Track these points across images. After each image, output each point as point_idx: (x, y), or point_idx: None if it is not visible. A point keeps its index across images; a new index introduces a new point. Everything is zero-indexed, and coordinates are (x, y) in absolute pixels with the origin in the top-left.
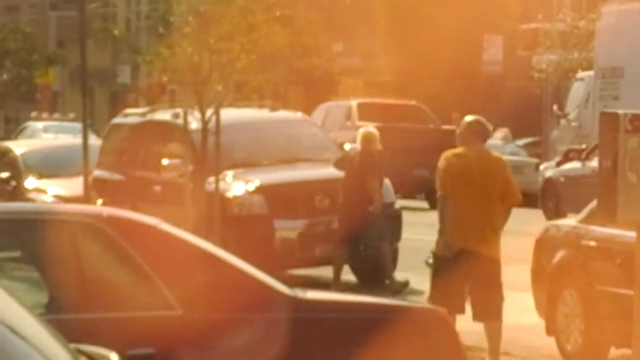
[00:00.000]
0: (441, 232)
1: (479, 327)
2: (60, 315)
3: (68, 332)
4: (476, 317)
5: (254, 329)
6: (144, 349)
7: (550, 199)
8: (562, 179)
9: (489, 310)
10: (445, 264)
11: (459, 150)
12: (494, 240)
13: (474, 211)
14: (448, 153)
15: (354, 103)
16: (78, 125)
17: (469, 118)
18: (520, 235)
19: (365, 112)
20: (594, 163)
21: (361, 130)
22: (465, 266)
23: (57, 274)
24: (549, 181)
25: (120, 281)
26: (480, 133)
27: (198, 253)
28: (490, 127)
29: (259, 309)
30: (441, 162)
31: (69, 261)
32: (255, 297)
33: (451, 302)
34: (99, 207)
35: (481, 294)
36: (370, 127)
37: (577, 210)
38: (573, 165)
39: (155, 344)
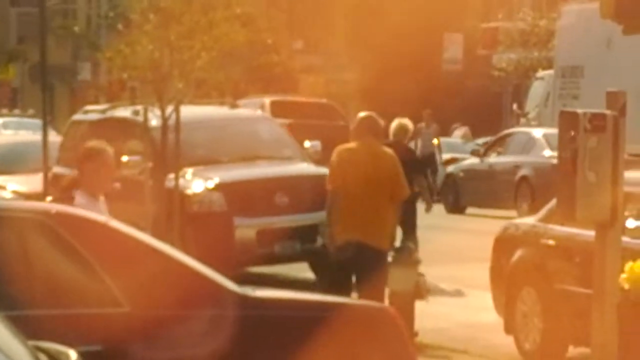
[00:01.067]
0: (328, 224)
1: (438, 326)
2: (7, 312)
3: (15, 329)
4: None
5: (202, 326)
6: (91, 346)
7: (449, 193)
8: (461, 174)
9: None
10: (333, 254)
11: (351, 144)
12: (382, 233)
13: (362, 204)
14: (340, 147)
15: (267, 100)
16: (38, 122)
17: (362, 114)
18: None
19: (278, 109)
20: (491, 159)
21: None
22: (352, 257)
23: (3, 271)
24: (449, 176)
25: (68, 278)
26: (372, 128)
27: (147, 250)
28: (382, 123)
29: (207, 306)
30: (333, 156)
31: (16, 258)
32: (203, 294)
33: (338, 292)
34: (47, 204)
35: (366, 284)
36: (405, 119)
37: (475, 204)
38: (472, 161)
39: (103, 341)
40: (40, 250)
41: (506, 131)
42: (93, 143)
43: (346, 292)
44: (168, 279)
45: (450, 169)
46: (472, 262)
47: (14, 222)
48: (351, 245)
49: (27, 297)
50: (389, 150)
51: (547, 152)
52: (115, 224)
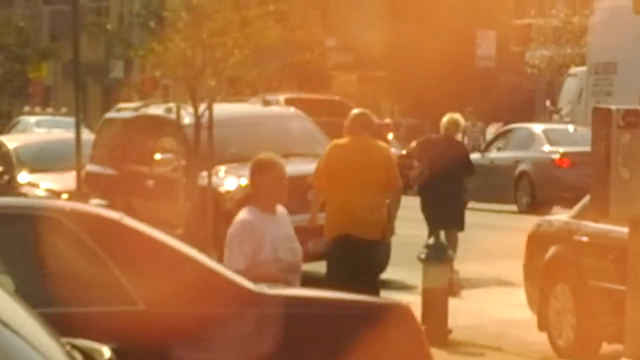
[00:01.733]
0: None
1: (471, 323)
2: None
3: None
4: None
5: (218, 324)
6: (106, 344)
7: None
8: None
9: (368, 291)
10: (333, 249)
11: (344, 140)
12: (378, 224)
13: (357, 198)
14: (333, 143)
15: (281, 97)
16: (71, 120)
17: (355, 111)
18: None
19: (292, 107)
20: (492, 154)
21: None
22: (349, 252)
23: (19, 268)
24: None
25: (83, 276)
26: (365, 125)
27: (162, 248)
28: (374, 119)
29: (223, 304)
30: (325, 151)
31: (32, 255)
32: (219, 292)
33: (342, 286)
34: (62, 201)
35: (362, 277)
36: (456, 114)
37: (476, 198)
38: (474, 156)
39: (118, 339)
40: (55, 248)
41: (506, 127)
42: (263, 155)
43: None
44: (183, 277)
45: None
46: (506, 259)
47: (29, 220)
48: (345, 239)
49: (42, 295)
50: (382, 144)
51: (547, 148)
52: (130, 221)
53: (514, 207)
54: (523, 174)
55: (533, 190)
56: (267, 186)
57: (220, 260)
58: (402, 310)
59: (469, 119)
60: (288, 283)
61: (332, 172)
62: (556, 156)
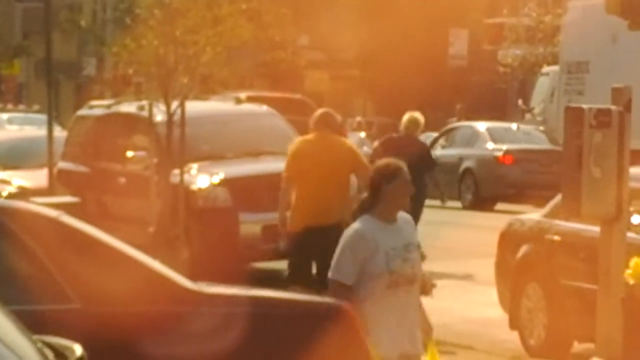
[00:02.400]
0: (279, 210)
1: (442, 321)
2: None
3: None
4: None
5: (155, 322)
6: None
7: None
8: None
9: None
10: (295, 240)
11: (308, 136)
12: (342, 211)
13: (322, 190)
14: (298, 139)
15: (243, 96)
16: (43, 117)
17: (320, 110)
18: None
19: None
20: (436, 152)
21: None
22: (313, 241)
23: None
24: None
25: (18, 273)
26: (328, 122)
27: (100, 247)
28: (339, 118)
29: (160, 302)
30: (291, 147)
31: None
32: (156, 290)
33: (301, 277)
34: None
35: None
36: (416, 113)
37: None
38: None
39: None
40: None
41: (450, 125)
42: (387, 162)
43: (307, 277)
44: (120, 276)
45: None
46: (477, 258)
47: None
48: (310, 231)
49: None
50: (344, 140)
51: (490, 145)
52: (68, 219)
53: (458, 204)
54: (467, 171)
55: (477, 187)
56: (393, 194)
57: (192, 256)
58: (342, 310)
59: (459, 116)
60: (405, 293)
61: (298, 166)
62: (499, 153)
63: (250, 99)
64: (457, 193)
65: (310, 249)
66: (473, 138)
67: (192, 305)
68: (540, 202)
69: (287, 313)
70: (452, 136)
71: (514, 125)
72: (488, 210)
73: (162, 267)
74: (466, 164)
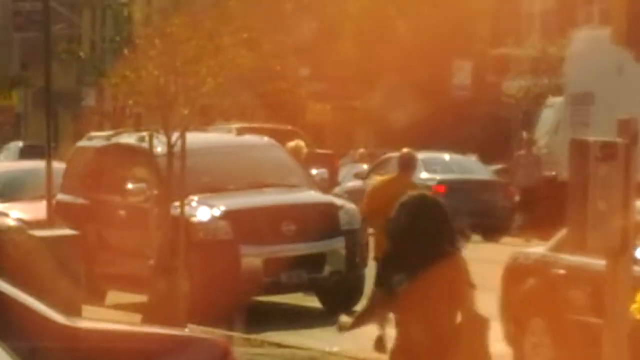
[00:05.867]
0: None
1: None
2: None
3: None
4: None
5: (22, 356)
6: None
7: None
8: (345, 195)
9: None
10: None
11: (386, 177)
12: None
13: None
14: (375, 181)
15: (233, 127)
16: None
17: (404, 150)
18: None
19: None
20: (372, 181)
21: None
22: None
23: None
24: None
25: None
26: (409, 165)
27: None
28: (417, 159)
29: (29, 337)
30: (369, 187)
31: None
32: (25, 325)
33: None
34: None
35: None
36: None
37: None
38: (355, 182)
39: None
40: None
41: (385, 155)
42: None
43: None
44: None
45: (336, 190)
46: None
47: None
48: None
49: None
50: (416, 184)
51: (424, 175)
52: None
53: None
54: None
55: None
56: None
57: (192, 289)
58: (220, 346)
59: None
60: None
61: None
62: (433, 183)
63: (240, 130)
64: None
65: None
66: None
67: (62, 340)
68: (472, 230)
69: (161, 348)
70: (387, 165)
71: (447, 156)
72: None
73: (34, 302)
74: None
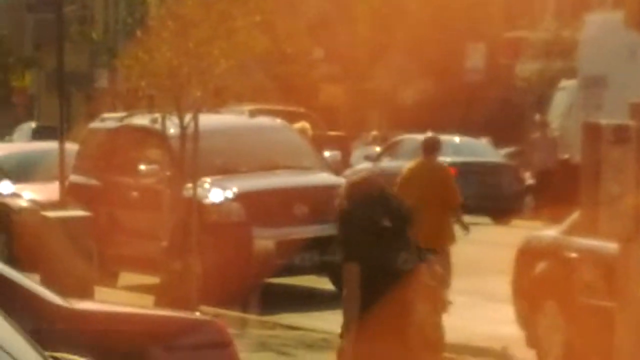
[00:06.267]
0: None
1: (460, 339)
2: None
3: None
4: None
5: None
6: None
7: None
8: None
9: None
10: None
11: (412, 163)
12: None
13: (424, 214)
14: (405, 167)
15: (246, 109)
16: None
17: (429, 134)
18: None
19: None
20: (383, 163)
21: None
22: None
23: None
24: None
25: None
26: (435, 148)
27: None
28: (441, 142)
29: (25, 318)
30: (397, 179)
31: None
32: (21, 306)
33: None
34: None
35: None
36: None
37: None
38: (365, 165)
39: None
40: None
41: (395, 138)
42: None
43: None
44: None
45: (347, 172)
46: (494, 275)
47: None
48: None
49: None
50: (444, 165)
51: None
52: None
53: None
54: None
55: None
56: None
57: (204, 271)
58: (216, 327)
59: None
60: None
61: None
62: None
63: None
64: None
65: None
66: (418, 150)
67: (58, 322)
68: (482, 212)
69: (156, 330)
70: (397, 148)
71: (457, 138)
72: None
73: (30, 283)
74: None
